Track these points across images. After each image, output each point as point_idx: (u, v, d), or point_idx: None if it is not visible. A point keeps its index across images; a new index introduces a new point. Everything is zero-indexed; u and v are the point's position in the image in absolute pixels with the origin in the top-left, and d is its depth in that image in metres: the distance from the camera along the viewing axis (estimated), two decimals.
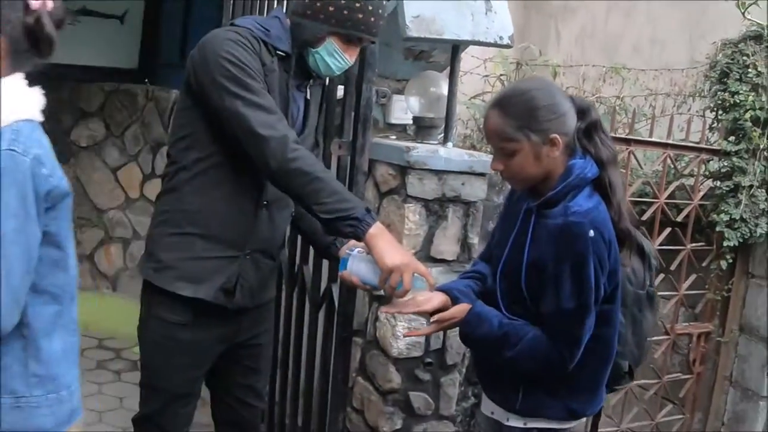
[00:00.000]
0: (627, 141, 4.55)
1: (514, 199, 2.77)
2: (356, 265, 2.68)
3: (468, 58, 6.16)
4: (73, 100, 6.53)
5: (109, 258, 6.57)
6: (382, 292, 2.71)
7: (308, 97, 2.93)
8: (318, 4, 2.71)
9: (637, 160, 4.69)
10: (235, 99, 2.57)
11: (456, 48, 3.53)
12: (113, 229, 6.52)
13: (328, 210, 2.57)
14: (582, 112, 2.58)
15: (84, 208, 6.59)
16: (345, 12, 2.71)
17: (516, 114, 2.48)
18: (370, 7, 2.73)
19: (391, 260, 2.53)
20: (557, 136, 2.47)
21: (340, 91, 3.56)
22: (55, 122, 6.50)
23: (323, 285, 3.60)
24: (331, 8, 2.71)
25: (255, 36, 2.71)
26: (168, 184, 2.85)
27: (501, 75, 6.51)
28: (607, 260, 2.46)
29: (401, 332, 3.39)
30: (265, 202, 2.82)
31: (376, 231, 2.57)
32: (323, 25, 2.73)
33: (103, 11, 6.37)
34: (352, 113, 3.38)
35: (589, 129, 2.58)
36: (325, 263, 3.54)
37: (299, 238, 3.60)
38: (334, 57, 2.78)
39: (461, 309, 2.66)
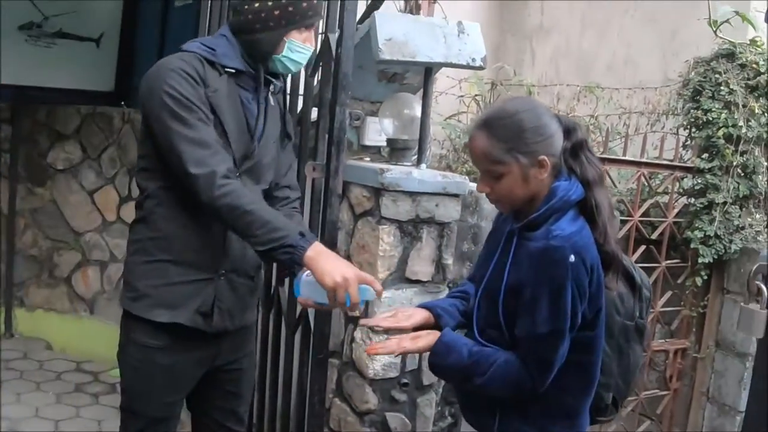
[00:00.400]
0: (601, 160, 4.56)
1: (501, 220, 2.74)
2: (306, 289, 2.68)
3: (443, 79, 6.19)
4: (50, 123, 6.52)
5: (87, 281, 6.55)
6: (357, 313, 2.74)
7: (268, 105, 2.93)
8: (263, 15, 2.75)
9: (611, 179, 4.72)
10: (171, 133, 2.61)
11: (429, 70, 3.55)
12: (90, 252, 6.50)
13: (262, 242, 2.60)
14: (568, 131, 2.53)
15: (61, 230, 6.57)
16: (290, 9, 2.76)
17: (504, 136, 2.44)
18: None
19: (331, 279, 2.54)
20: (545, 158, 2.43)
21: (314, 113, 3.58)
22: (31, 145, 6.50)
23: (299, 307, 3.60)
24: (276, 12, 2.74)
25: (200, 58, 2.73)
26: (138, 213, 2.88)
27: (476, 95, 6.55)
28: (587, 287, 2.40)
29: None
30: None
31: (313, 253, 2.58)
32: (277, 30, 2.77)
33: (79, 34, 6.35)
34: (326, 135, 3.39)
35: (576, 148, 2.53)
36: None
37: None
38: (298, 52, 2.84)
39: (428, 340, 2.58)
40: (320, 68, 3.54)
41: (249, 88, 2.84)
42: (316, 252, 2.59)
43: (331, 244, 3.27)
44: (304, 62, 2.93)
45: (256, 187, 2.89)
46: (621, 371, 2.79)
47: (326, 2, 3.44)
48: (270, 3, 2.74)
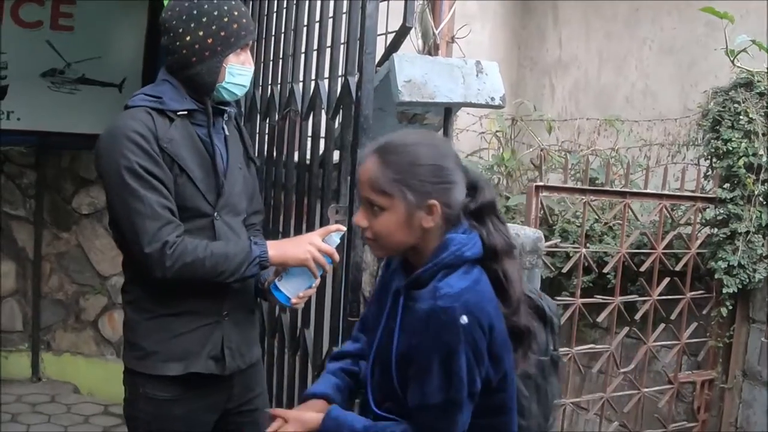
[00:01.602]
0: (622, 194, 4.59)
1: (389, 272, 2.45)
2: (289, 286, 2.79)
3: (464, 116, 6.24)
4: (74, 168, 6.58)
5: (113, 324, 6.58)
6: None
7: (227, 133, 2.93)
8: (197, 47, 2.72)
9: (633, 212, 4.72)
10: (127, 210, 2.62)
11: (448, 110, 3.57)
12: (116, 296, 6.53)
13: (232, 272, 2.69)
14: (474, 188, 2.28)
15: (87, 275, 6.61)
16: (222, 33, 2.73)
17: (396, 165, 2.18)
18: (235, 12, 2.77)
19: (303, 252, 2.71)
20: (437, 204, 2.17)
21: (336, 155, 3.60)
22: (55, 190, 6.56)
23: (324, 347, 3.61)
24: (209, 41, 2.72)
25: (148, 110, 2.70)
26: (127, 274, 2.89)
27: (497, 131, 6.57)
28: (484, 350, 2.12)
29: None
30: None
31: (273, 251, 2.73)
32: (214, 58, 2.75)
33: (101, 79, 6.43)
34: (348, 178, 3.40)
35: (481, 211, 2.27)
36: (326, 326, 3.55)
37: None
38: (240, 75, 2.83)
39: (314, 417, 2.35)
40: (341, 111, 3.56)
41: (203, 123, 2.81)
42: (276, 247, 2.75)
43: (356, 286, 3.28)
44: (248, 84, 2.91)
45: (236, 219, 2.92)
46: (542, 409, 2.57)
47: (345, 45, 3.48)
48: (201, 33, 2.71)
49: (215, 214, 2.80)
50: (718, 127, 4.91)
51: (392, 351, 2.24)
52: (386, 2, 3.57)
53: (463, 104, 3.54)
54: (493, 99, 3.59)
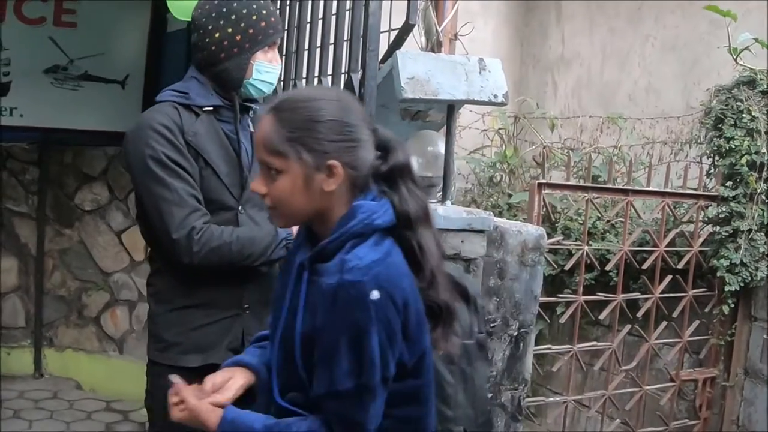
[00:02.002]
0: (625, 191, 4.60)
1: (295, 246, 2.24)
2: None
3: (466, 113, 6.24)
4: (77, 165, 6.57)
5: (116, 320, 6.58)
6: None
7: (252, 129, 2.96)
8: (225, 43, 2.78)
9: (635, 210, 4.73)
10: (154, 198, 2.69)
11: (451, 107, 3.58)
12: (119, 292, 6.53)
13: (259, 255, 2.76)
14: (386, 149, 2.04)
15: (89, 271, 6.61)
16: (251, 31, 2.79)
17: (291, 122, 1.96)
18: (264, 11, 2.83)
19: None
20: (338, 165, 1.94)
21: None
22: (58, 186, 6.56)
23: None
24: (238, 38, 2.78)
25: (175, 105, 2.78)
26: (153, 266, 2.95)
27: (499, 129, 6.58)
28: (398, 329, 1.91)
29: None
30: None
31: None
32: (242, 55, 2.81)
33: (104, 76, 6.42)
34: None
35: (393, 174, 2.03)
36: None
37: None
38: (267, 72, 2.88)
39: (210, 417, 2.08)
40: None
41: (230, 120, 2.87)
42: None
43: None
44: (275, 82, 2.96)
45: (262, 213, 2.92)
46: (469, 397, 2.35)
47: (348, 42, 3.48)
48: (230, 30, 2.77)
49: (240, 207, 2.85)
50: (720, 125, 4.92)
51: (296, 333, 2.00)
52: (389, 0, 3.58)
53: (466, 101, 3.55)
54: (496, 96, 3.59)
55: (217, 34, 2.78)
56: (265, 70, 2.87)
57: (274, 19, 2.87)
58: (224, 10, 2.78)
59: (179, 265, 2.71)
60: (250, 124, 2.97)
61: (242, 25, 2.78)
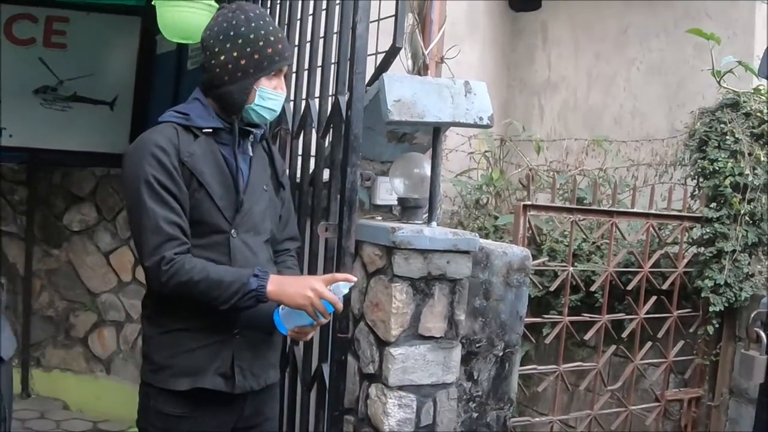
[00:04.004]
0: (610, 213, 4.64)
1: None
2: (288, 320, 2.79)
3: (453, 136, 6.28)
4: (65, 185, 6.60)
5: (103, 341, 6.59)
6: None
7: (251, 154, 2.98)
8: (230, 66, 2.79)
9: (620, 231, 4.77)
10: (135, 220, 2.72)
11: (437, 130, 3.60)
12: (106, 313, 6.55)
13: (224, 300, 2.69)
14: None
15: (77, 291, 6.62)
16: (256, 56, 2.80)
17: None
18: (271, 37, 2.83)
19: (302, 297, 2.69)
20: None
21: (326, 174, 3.63)
22: (47, 207, 6.58)
23: (315, 364, 3.64)
24: (243, 62, 2.79)
25: (174, 126, 2.79)
26: (147, 288, 2.91)
27: (486, 152, 6.62)
28: None
29: (391, 409, 3.43)
30: None
31: (273, 286, 2.71)
32: (246, 80, 2.81)
33: (93, 97, 6.47)
34: (338, 196, 3.43)
35: None
36: (316, 343, 3.58)
37: None
38: (270, 99, 2.88)
39: None
40: (331, 130, 3.60)
41: (228, 142, 2.88)
42: (276, 283, 2.71)
43: (345, 303, 3.31)
44: (278, 109, 2.95)
45: (257, 238, 2.93)
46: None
47: (336, 65, 3.52)
48: (235, 53, 2.78)
49: (232, 231, 2.84)
50: (704, 147, 4.97)
51: None
52: (377, 23, 3.61)
53: (452, 124, 3.58)
54: (481, 119, 3.62)
55: (222, 57, 2.80)
56: (269, 97, 2.87)
57: (282, 46, 2.87)
58: (231, 33, 2.79)
59: (152, 292, 2.75)
60: (250, 148, 2.98)
61: (248, 49, 2.79)
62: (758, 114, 4.92)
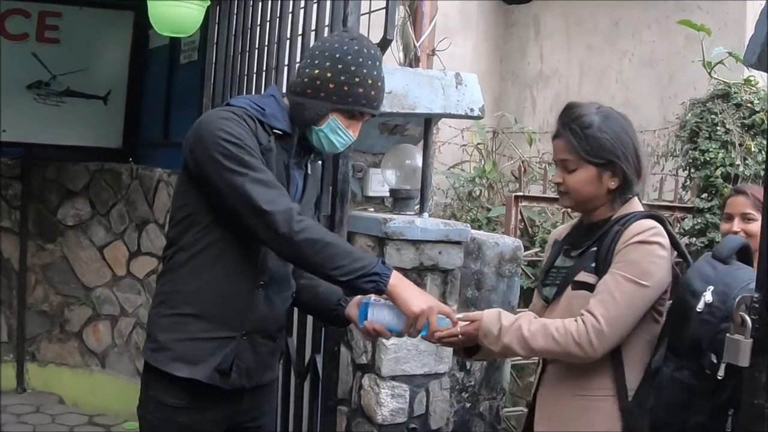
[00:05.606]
0: None
1: None
2: (378, 314, 2.69)
3: (445, 129, 6.29)
4: (59, 180, 6.59)
5: (98, 335, 6.59)
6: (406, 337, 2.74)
7: (308, 172, 2.92)
8: (318, 83, 2.71)
9: None
10: (235, 176, 2.56)
11: (428, 121, 3.63)
12: (101, 307, 6.54)
13: (347, 272, 2.57)
14: None
15: (71, 286, 6.62)
16: (345, 88, 2.70)
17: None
18: (370, 81, 2.73)
19: (418, 306, 2.57)
20: None
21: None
22: (41, 202, 6.58)
23: (308, 355, 3.66)
24: (331, 85, 2.70)
25: (250, 115, 2.70)
26: (166, 265, 2.84)
27: (478, 144, 6.63)
28: None
29: (384, 399, 3.45)
30: (261, 283, 2.78)
31: (396, 281, 2.60)
32: (325, 102, 2.71)
33: (86, 92, 6.47)
34: (330, 187, 3.44)
35: None
36: (309, 334, 3.60)
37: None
38: (337, 134, 2.77)
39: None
40: None
41: (291, 151, 2.81)
42: (399, 279, 2.62)
43: None
44: (341, 148, 2.86)
45: None
46: None
47: None
48: (329, 74, 2.70)
49: None
50: (696, 138, 4.99)
51: None
52: (368, 15, 3.63)
53: (443, 115, 3.60)
54: (472, 110, 3.65)
55: (316, 71, 2.71)
56: (338, 130, 2.77)
57: (374, 94, 2.77)
58: (337, 56, 2.71)
59: (270, 240, 2.62)
60: (309, 166, 2.93)
61: (342, 77, 2.69)
62: (749, 105, 4.95)
